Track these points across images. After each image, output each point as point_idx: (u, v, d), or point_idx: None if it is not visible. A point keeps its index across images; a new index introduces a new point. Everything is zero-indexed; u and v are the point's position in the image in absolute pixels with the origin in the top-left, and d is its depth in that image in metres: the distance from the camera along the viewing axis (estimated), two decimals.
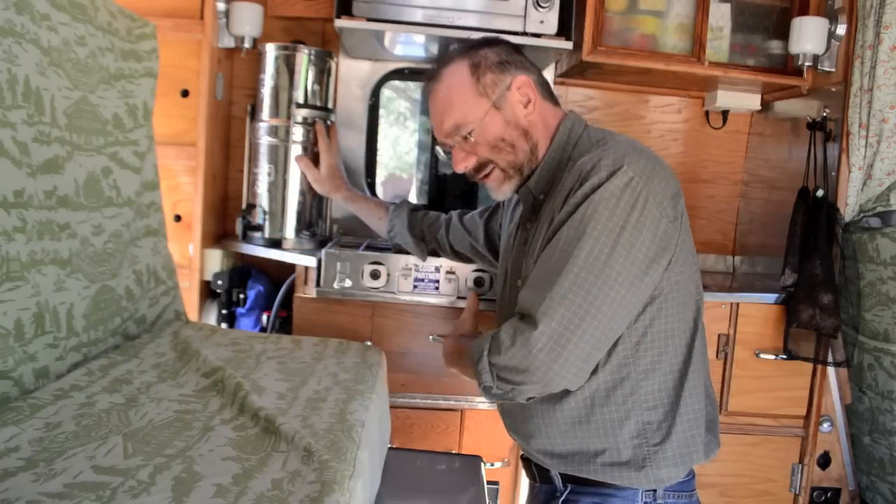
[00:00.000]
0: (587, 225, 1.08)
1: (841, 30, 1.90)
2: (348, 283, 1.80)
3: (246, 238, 1.95)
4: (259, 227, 1.91)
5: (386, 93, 2.31)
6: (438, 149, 1.31)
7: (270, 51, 1.90)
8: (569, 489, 1.23)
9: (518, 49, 1.28)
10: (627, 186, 1.09)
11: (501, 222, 1.53)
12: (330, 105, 1.99)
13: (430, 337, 1.86)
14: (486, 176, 1.26)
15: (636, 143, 1.18)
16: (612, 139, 1.19)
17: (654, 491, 1.18)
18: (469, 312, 1.42)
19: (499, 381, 1.12)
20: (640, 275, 1.09)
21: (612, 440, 1.16)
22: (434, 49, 2.06)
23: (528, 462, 1.33)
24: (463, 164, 1.25)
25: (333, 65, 1.98)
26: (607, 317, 1.08)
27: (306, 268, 1.86)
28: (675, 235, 1.13)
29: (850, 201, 1.90)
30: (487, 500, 1.33)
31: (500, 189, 1.27)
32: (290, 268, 1.91)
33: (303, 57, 1.91)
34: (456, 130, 1.23)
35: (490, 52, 1.23)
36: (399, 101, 2.40)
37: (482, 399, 1.88)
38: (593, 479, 1.19)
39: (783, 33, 2.01)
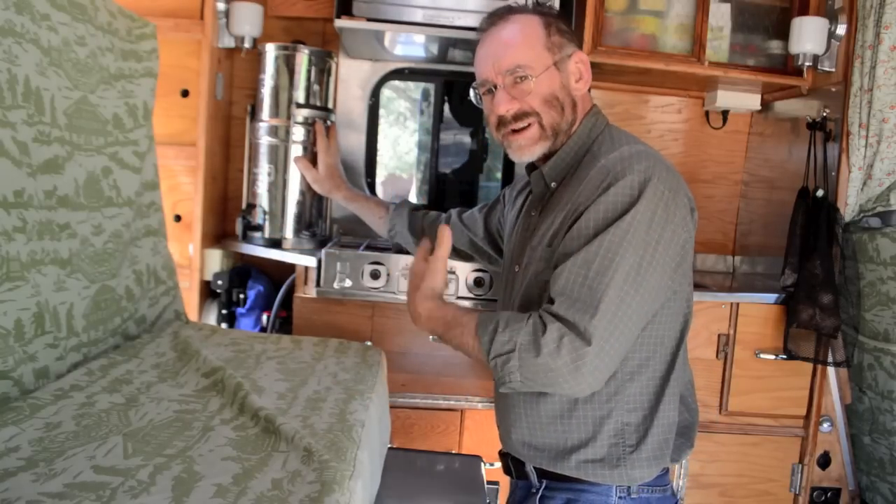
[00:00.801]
0: (628, 237, 1.08)
1: (841, 30, 1.90)
2: (348, 283, 1.80)
3: (246, 238, 1.95)
4: (259, 227, 1.91)
5: (386, 93, 2.31)
6: (473, 92, 1.29)
7: (270, 51, 1.90)
8: (544, 485, 1.24)
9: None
10: (661, 200, 1.10)
11: (501, 218, 1.53)
12: (330, 105, 1.99)
13: (431, 337, 1.86)
14: (521, 131, 1.22)
15: (658, 153, 1.19)
16: (635, 143, 1.20)
17: (629, 486, 1.19)
18: (441, 262, 1.22)
19: (524, 379, 1.07)
20: (665, 286, 1.13)
21: (590, 437, 1.17)
22: (434, 49, 2.06)
23: (505, 457, 1.34)
24: (506, 107, 1.21)
25: (333, 65, 1.98)
26: (637, 327, 1.11)
27: (306, 268, 1.86)
28: (689, 249, 1.17)
29: (850, 201, 1.90)
30: (487, 500, 1.34)
31: (530, 148, 1.23)
32: (290, 268, 1.91)
33: (303, 57, 1.91)
34: (514, 70, 1.20)
35: (558, 20, 1.26)
36: (399, 101, 2.40)
37: (482, 399, 1.88)
38: (567, 475, 1.20)
39: (783, 33, 2.01)
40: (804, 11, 1.98)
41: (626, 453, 1.17)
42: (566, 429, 1.19)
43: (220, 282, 1.98)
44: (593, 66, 2.01)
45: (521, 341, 1.06)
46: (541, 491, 1.24)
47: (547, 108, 1.21)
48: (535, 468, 1.25)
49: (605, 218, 1.10)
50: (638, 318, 1.09)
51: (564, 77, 1.22)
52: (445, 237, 1.21)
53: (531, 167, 1.31)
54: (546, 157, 1.26)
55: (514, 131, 1.22)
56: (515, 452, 1.27)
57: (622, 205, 1.09)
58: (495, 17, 1.25)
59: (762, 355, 1.92)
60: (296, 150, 1.89)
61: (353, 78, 2.23)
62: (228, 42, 2.00)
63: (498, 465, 1.85)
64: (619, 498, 1.19)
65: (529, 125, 1.22)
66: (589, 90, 1.30)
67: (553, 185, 1.25)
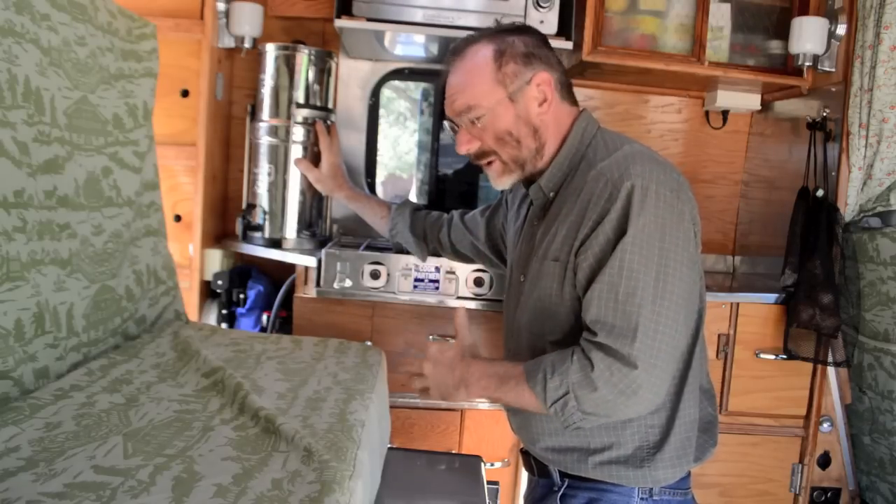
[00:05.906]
0: (645, 251, 1.08)
1: (841, 30, 1.90)
2: (348, 283, 1.80)
3: (246, 238, 1.95)
4: (259, 227, 1.91)
5: (386, 93, 2.31)
6: (447, 123, 1.30)
7: (270, 51, 1.90)
8: (566, 483, 1.24)
9: (547, 42, 1.25)
10: (666, 203, 1.10)
11: (504, 221, 1.53)
12: (330, 105, 1.99)
13: (430, 337, 1.86)
14: (489, 164, 1.26)
15: (654, 153, 1.19)
16: (629, 144, 1.20)
17: (651, 488, 1.19)
18: (464, 329, 1.28)
19: (585, 415, 1.10)
20: (687, 289, 1.13)
21: (613, 440, 1.18)
22: (434, 49, 2.06)
23: (527, 455, 1.34)
24: (465, 147, 1.24)
25: (333, 65, 1.98)
26: (676, 334, 1.11)
27: (306, 268, 1.86)
28: (697, 241, 1.18)
29: (850, 201, 1.90)
30: (487, 500, 1.33)
31: (498, 179, 1.27)
32: (290, 268, 1.91)
33: (303, 57, 1.91)
34: (466, 111, 1.21)
35: (519, 40, 1.21)
36: (399, 101, 2.40)
37: (482, 399, 1.88)
38: (591, 477, 1.20)
39: (783, 33, 2.01)
40: (804, 11, 1.98)
41: (649, 454, 1.17)
42: (589, 433, 1.19)
43: (220, 282, 1.98)
44: (593, 66, 2.04)
45: (572, 381, 1.08)
46: (562, 489, 1.25)
47: (501, 145, 1.22)
48: (558, 469, 1.26)
49: (616, 235, 1.10)
50: (675, 326, 1.10)
51: (521, 107, 1.20)
52: (461, 318, 1.27)
53: (527, 181, 1.29)
54: (542, 171, 1.25)
55: (489, 163, 1.25)
56: (540, 458, 1.28)
57: (630, 218, 1.09)
58: (451, 55, 1.25)
59: (762, 355, 1.92)
60: (296, 150, 1.89)
61: (353, 78, 2.23)
62: (228, 42, 2.00)
63: (498, 464, 1.86)
64: (641, 499, 1.20)
65: (493, 160, 1.24)
66: (573, 101, 1.27)
67: (552, 194, 1.25)
